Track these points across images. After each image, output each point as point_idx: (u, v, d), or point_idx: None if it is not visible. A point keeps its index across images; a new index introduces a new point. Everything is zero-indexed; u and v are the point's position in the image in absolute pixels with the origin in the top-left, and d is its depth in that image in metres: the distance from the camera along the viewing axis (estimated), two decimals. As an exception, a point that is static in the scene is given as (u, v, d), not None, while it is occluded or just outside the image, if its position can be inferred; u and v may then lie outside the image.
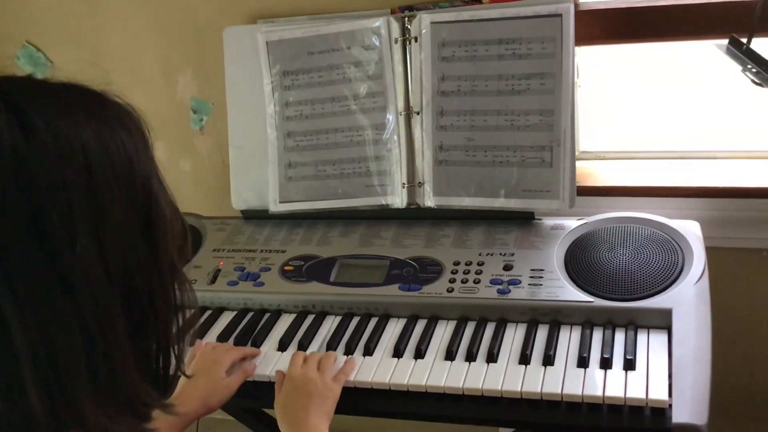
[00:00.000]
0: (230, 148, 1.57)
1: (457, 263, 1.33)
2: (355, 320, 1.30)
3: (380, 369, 1.18)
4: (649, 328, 1.17)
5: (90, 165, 0.64)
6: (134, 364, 0.69)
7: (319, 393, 1.12)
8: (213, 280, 1.42)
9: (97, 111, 0.68)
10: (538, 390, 1.09)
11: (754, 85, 1.18)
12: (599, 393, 1.07)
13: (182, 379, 1.18)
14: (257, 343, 1.28)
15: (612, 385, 1.07)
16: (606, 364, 1.11)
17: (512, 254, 1.32)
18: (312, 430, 1.07)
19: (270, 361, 1.24)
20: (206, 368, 1.18)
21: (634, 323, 1.18)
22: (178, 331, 0.76)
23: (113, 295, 0.66)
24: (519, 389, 1.10)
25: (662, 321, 1.16)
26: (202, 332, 1.33)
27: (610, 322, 1.19)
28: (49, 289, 0.63)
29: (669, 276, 1.21)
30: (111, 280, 0.66)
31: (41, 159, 0.62)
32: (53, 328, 0.63)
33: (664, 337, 1.15)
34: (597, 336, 1.17)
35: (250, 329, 1.32)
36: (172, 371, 0.76)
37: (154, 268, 0.71)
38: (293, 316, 1.34)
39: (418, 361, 1.19)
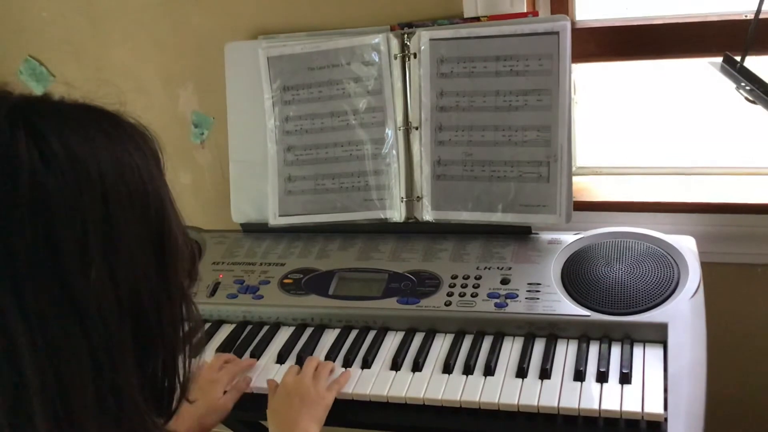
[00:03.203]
0: (230, 162, 1.58)
1: (454, 277, 1.34)
2: (354, 333, 1.31)
3: (378, 381, 1.19)
4: (644, 342, 1.18)
5: (106, 192, 0.64)
6: (140, 388, 0.69)
7: (312, 399, 1.12)
8: (212, 293, 1.42)
9: (114, 134, 0.68)
10: (535, 403, 1.10)
11: (747, 103, 1.19)
12: (595, 406, 1.07)
13: None
14: (256, 356, 1.29)
15: (608, 398, 1.08)
16: (602, 377, 1.12)
17: (509, 268, 1.33)
18: None
19: (268, 373, 1.24)
20: (203, 387, 1.18)
21: (630, 337, 1.19)
22: (184, 357, 0.76)
23: (123, 322, 0.66)
24: (516, 402, 1.11)
25: (658, 335, 1.17)
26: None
27: (607, 336, 1.20)
28: (60, 316, 0.63)
29: (665, 291, 1.22)
30: (121, 307, 0.66)
31: (59, 185, 0.62)
32: (63, 354, 0.63)
33: (660, 351, 1.16)
34: (593, 350, 1.18)
35: (249, 342, 1.32)
36: (176, 397, 0.76)
37: (165, 293, 0.70)
38: (292, 328, 1.35)
39: (416, 373, 1.19)
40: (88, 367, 0.64)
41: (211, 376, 1.20)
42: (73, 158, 0.63)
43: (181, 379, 0.76)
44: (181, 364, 0.75)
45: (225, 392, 1.20)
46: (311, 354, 1.27)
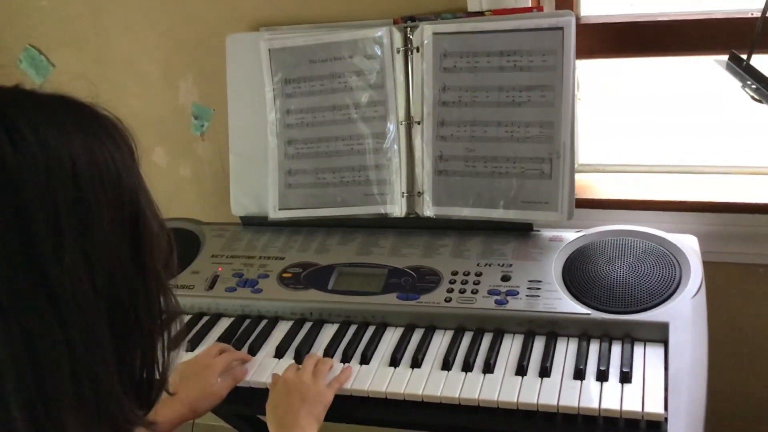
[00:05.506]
0: (230, 155, 1.57)
1: (455, 273, 1.33)
2: (353, 328, 1.30)
3: (377, 377, 1.18)
4: (645, 341, 1.17)
5: (78, 176, 0.64)
6: (118, 378, 0.68)
7: (311, 397, 1.12)
8: (211, 286, 1.42)
9: (86, 123, 0.68)
10: (535, 401, 1.09)
11: (753, 101, 1.18)
12: (595, 405, 1.07)
13: (171, 379, 1.18)
14: (254, 350, 1.28)
15: (608, 397, 1.08)
16: (602, 376, 1.11)
17: (510, 265, 1.33)
18: None
19: (266, 368, 1.24)
20: (198, 372, 1.18)
21: (631, 336, 1.18)
22: (163, 346, 0.75)
23: (99, 309, 0.66)
24: (515, 400, 1.10)
25: (659, 334, 1.16)
26: (199, 338, 1.33)
27: (607, 334, 1.19)
28: (34, 301, 0.62)
29: (666, 290, 1.22)
30: (97, 293, 0.65)
31: (29, 169, 0.62)
32: (38, 340, 0.63)
33: (661, 350, 1.15)
34: (594, 348, 1.17)
35: (248, 336, 1.32)
36: (156, 387, 0.76)
37: (140, 281, 0.70)
38: (291, 323, 1.34)
39: (415, 370, 1.19)
40: (63, 355, 0.64)
41: (207, 361, 1.20)
42: (44, 142, 0.63)
43: (161, 369, 0.75)
44: (160, 356, 0.75)
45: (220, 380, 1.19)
46: (310, 348, 1.27)
